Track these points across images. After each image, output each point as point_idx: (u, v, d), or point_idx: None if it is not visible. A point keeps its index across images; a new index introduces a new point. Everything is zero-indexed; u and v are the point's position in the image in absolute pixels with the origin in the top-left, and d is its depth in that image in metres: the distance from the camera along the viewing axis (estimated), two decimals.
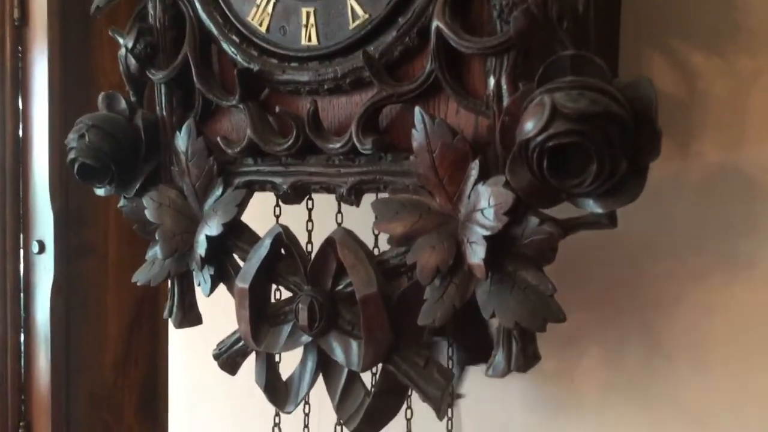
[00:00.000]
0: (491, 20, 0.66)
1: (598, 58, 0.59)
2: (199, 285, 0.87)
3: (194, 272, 0.87)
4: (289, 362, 0.87)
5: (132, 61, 0.87)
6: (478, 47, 0.65)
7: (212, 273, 0.85)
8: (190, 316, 0.92)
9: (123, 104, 0.89)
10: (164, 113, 0.88)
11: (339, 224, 0.80)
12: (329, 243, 0.76)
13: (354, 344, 0.76)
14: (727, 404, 0.82)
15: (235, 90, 0.81)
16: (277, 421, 0.93)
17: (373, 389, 0.78)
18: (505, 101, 0.65)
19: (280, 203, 0.85)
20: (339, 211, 0.83)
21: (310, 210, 0.84)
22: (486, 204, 0.65)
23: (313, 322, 0.77)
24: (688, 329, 0.83)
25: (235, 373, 0.89)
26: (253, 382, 0.86)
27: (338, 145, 0.75)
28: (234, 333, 0.87)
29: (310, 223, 0.84)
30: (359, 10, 0.74)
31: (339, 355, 0.76)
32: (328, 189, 0.78)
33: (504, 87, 0.65)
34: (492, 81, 0.66)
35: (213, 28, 0.83)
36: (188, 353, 1.30)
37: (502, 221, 0.64)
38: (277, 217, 0.85)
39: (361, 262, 0.74)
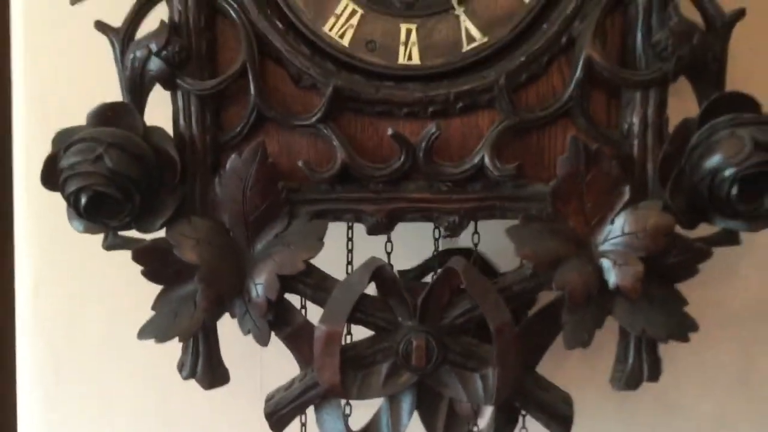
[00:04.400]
0: (633, 54, 0.71)
1: (752, 96, 0.68)
2: (248, 333, 0.74)
3: (240, 319, 0.74)
4: None
5: (154, 65, 0.71)
6: (636, 79, 0.70)
7: (272, 318, 0.73)
8: (219, 373, 0.77)
9: (137, 119, 0.72)
10: (193, 132, 0.73)
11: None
12: (449, 274, 0.72)
13: (476, 377, 0.72)
14: None
15: (311, 108, 0.72)
16: None
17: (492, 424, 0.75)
18: (651, 133, 0.71)
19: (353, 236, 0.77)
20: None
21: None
22: (641, 227, 0.69)
23: (430, 359, 0.72)
24: None
25: None
26: None
27: (458, 170, 0.72)
28: (293, 385, 0.75)
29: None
30: (476, 33, 0.72)
31: (458, 391, 0.72)
32: (429, 217, 0.74)
33: (650, 119, 0.71)
34: (637, 113, 0.71)
35: (273, 36, 0.72)
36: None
37: (661, 242, 0.69)
38: (350, 251, 0.78)
39: (490, 291, 0.71)
